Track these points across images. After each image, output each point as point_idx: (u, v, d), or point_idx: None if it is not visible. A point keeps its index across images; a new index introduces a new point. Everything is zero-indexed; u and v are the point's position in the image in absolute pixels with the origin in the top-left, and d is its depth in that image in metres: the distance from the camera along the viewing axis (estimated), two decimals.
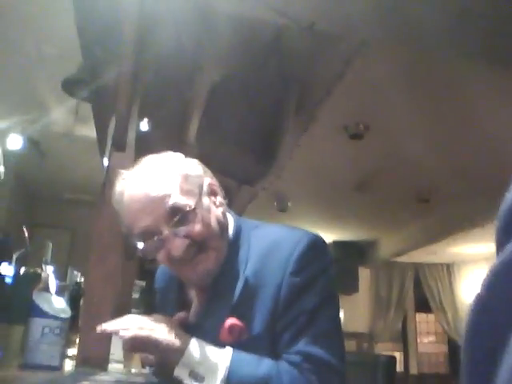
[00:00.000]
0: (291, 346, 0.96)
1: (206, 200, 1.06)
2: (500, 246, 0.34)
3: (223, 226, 1.09)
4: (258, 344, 0.98)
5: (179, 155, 1.12)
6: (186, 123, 2.85)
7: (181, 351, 0.95)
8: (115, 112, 1.99)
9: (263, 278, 1.01)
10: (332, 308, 1.02)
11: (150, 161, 1.08)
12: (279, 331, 0.97)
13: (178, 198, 1.00)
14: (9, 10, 2.94)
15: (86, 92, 2.57)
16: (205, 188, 1.07)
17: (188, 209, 1.00)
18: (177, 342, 0.96)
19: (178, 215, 0.99)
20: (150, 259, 1.06)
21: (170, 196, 1.00)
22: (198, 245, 1.02)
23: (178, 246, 1.00)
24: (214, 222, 1.05)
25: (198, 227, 1.01)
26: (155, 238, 1.00)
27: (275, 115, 2.96)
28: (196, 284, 1.11)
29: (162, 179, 1.02)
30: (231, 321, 0.99)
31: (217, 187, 1.12)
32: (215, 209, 1.08)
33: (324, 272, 1.02)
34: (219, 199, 1.11)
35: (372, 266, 8.78)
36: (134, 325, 0.97)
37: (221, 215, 1.09)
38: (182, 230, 1.00)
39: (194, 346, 0.96)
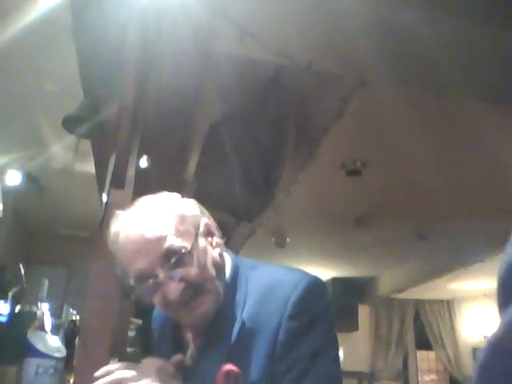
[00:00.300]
0: None
1: (202, 241, 1.04)
2: (503, 305, 0.34)
3: (220, 267, 1.07)
4: None
5: (176, 195, 1.11)
6: (185, 160, 2.88)
7: None
8: (115, 149, 2.00)
9: (260, 321, 0.99)
10: (331, 351, 0.99)
11: (145, 202, 1.07)
12: (277, 377, 0.95)
13: (173, 241, 0.98)
14: (10, 47, 2.99)
15: (86, 129, 2.59)
16: (201, 229, 1.05)
17: (184, 251, 0.98)
18: None
19: (174, 258, 0.97)
20: (145, 302, 1.04)
21: (165, 238, 0.98)
22: (195, 288, 1.00)
23: (174, 289, 0.98)
24: (210, 264, 1.03)
25: (194, 270, 0.99)
26: (150, 281, 0.98)
27: (274, 152, 2.99)
28: (192, 327, 1.09)
29: (157, 221, 1.00)
30: (227, 366, 0.96)
31: (213, 228, 1.10)
32: (212, 250, 1.06)
33: (322, 315, 0.99)
34: (216, 240, 1.09)
35: (372, 303, 8.69)
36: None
37: (217, 256, 1.07)
38: (178, 273, 0.98)
39: None
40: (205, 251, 1.04)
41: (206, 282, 1.01)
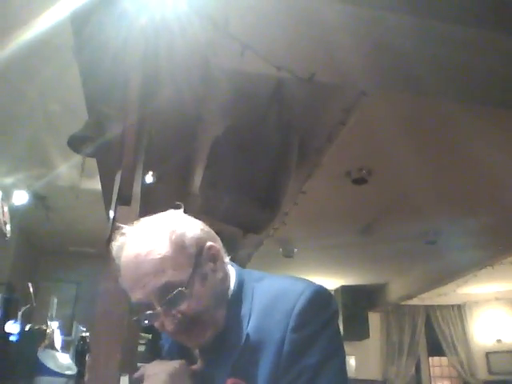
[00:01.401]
0: None
1: (202, 270, 1.02)
2: None
3: (221, 292, 1.06)
4: None
5: (180, 217, 1.08)
6: (190, 175, 2.89)
7: None
8: (120, 166, 2.02)
9: (265, 334, 0.98)
10: (337, 361, 0.97)
11: (147, 225, 1.05)
12: None
13: (170, 275, 0.97)
14: (13, 67, 3.03)
15: (92, 148, 2.61)
16: (204, 253, 1.04)
17: (180, 288, 0.97)
18: None
19: (171, 293, 0.96)
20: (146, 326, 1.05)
21: (163, 272, 0.97)
22: (191, 320, 0.99)
23: (171, 323, 0.98)
24: (208, 296, 1.02)
25: (191, 305, 0.98)
26: (148, 312, 0.99)
27: (279, 163, 3.00)
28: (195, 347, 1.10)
29: (156, 251, 0.98)
30: (233, 381, 0.96)
31: (217, 251, 1.07)
32: (212, 277, 1.04)
33: (327, 326, 0.98)
34: (219, 264, 1.07)
35: (382, 310, 8.64)
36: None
37: (218, 282, 1.05)
38: (174, 308, 0.98)
39: None
40: (203, 283, 1.02)
41: (202, 313, 1.00)
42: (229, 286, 1.09)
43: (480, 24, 2.61)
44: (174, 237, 1.01)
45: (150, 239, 1.01)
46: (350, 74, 2.57)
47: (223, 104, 2.71)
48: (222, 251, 1.10)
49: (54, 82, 3.18)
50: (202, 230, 1.08)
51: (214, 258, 1.07)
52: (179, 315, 0.98)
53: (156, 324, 1.02)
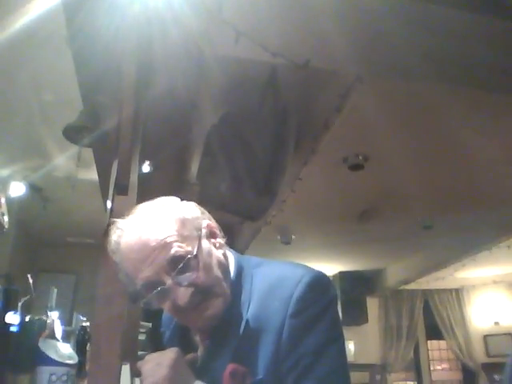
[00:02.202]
0: None
1: (206, 244, 1.04)
2: None
3: (225, 268, 1.07)
4: None
5: (174, 199, 1.10)
6: (187, 163, 2.88)
7: None
8: (117, 156, 2.01)
9: (264, 320, 0.99)
10: (336, 346, 0.98)
11: (145, 208, 1.06)
12: (283, 374, 0.95)
13: (178, 247, 0.98)
14: (8, 58, 3.01)
15: (87, 138, 2.60)
16: (204, 231, 1.05)
17: (190, 256, 0.98)
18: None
19: (180, 264, 0.97)
20: (153, 309, 1.04)
21: (170, 245, 0.98)
22: (203, 292, 1.00)
23: (183, 295, 0.98)
24: (216, 267, 1.03)
25: (200, 274, 0.99)
26: (158, 288, 0.98)
27: (275, 150, 3.00)
28: (201, 329, 1.09)
29: (159, 227, 0.99)
30: (233, 366, 0.97)
31: (216, 228, 1.10)
32: (216, 251, 1.06)
33: (326, 311, 0.99)
34: (219, 241, 1.09)
35: (380, 295, 8.69)
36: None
37: (222, 257, 1.07)
38: (186, 278, 0.98)
39: None
40: (210, 254, 1.03)
41: (213, 284, 1.01)
42: (229, 264, 1.09)
43: (472, 9, 2.60)
44: (175, 213, 1.03)
45: (152, 218, 1.02)
46: (345, 60, 2.56)
47: (219, 91, 2.70)
48: (220, 231, 1.11)
49: (48, 72, 3.16)
50: (198, 209, 1.10)
51: (215, 235, 1.09)
52: (190, 287, 0.99)
53: (165, 304, 1.01)
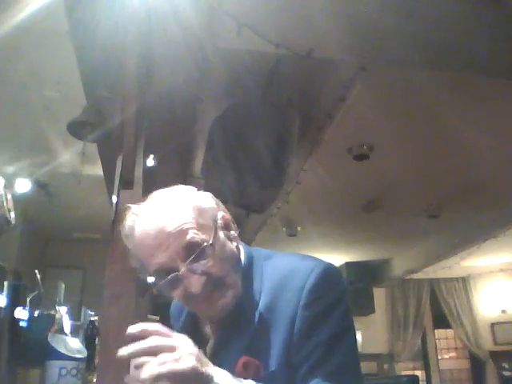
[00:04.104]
0: (308, 380, 0.93)
1: (221, 234, 1.03)
2: None
3: (238, 260, 1.07)
4: (274, 380, 0.95)
5: (191, 188, 1.09)
6: (192, 156, 2.88)
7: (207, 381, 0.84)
8: (122, 150, 2.02)
9: (277, 311, 0.99)
10: (348, 338, 0.98)
11: (161, 195, 1.05)
12: (296, 365, 0.95)
13: (194, 234, 0.97)
14: (12, 56, 3.01)
15: (92, 133, 2.60)
16: (219, 222, 1.05)
17: (205, 244, 0.97)
18: (204, 372, 0.84)
19: (196, 251, 0.96)
20: (164, 296, 1.04)
21: (186, 231, 0.97)
22: (216, 281, 0.99)
23: (196, 283, 0.97)
24: (229, 257, 1.03)
25: (215, 263, 0.98)
26: (171, 274, 0.97)
27: (280, 142, 2.99)
28: (212, 319, 1.09)
29: (176, 214, 0.98)
30: (245, 358, 0.97)
31: (230, 221, 1.09)
32: (230, 243, 1.06)
33: (338, 302, 0.99)
34: (233, 233, 1.09)
35: (387, 285, 8.69)
36: (154, 360, 0.82)
37: (235, 249, 1.07)
38: (200, 266, 0.97)
39: (219, 377, 0.86)
40: (224, 244, 1.03)
41: (226, 275, 1.01)
42: (241, 259, 1.09)
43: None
44: (192, 201, 1.02)
45: (169, 205, 1.01)
46: (348, 50, 2.55)
47: (222, 84, 2.69)
48: (233, 224, 1.11)
49: (51, 68, 3.16)
50: (214, 200, 1.09)
51: (229, 227, 1.09)
52: (204, 275, 0.98)
53: (177, 292, 1.00)
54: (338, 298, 1.00)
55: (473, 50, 2.70)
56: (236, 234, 1.10)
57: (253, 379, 0.93)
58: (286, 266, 1.05)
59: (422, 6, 2.57)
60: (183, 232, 0.97)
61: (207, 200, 1.07)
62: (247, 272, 1.07)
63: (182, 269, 0.97)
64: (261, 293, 1.03)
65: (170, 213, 0.99)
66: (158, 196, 1.05)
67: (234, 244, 1.08)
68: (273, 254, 1.11)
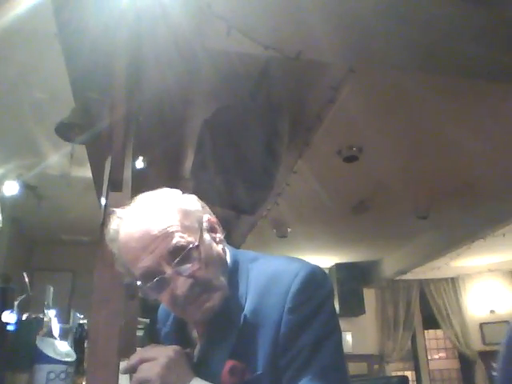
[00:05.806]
0: (294, 383, 0.92)
1: (206, 236, 1.03)
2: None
3: (224, 262, 1.06)
4: (261, 383, 0.95)
5: (176, 191, 1.09)
6: (181, 158, 2.87)
7: None
8: (110, 152, 2.00)
9: (262, 315, 0.98)
10: (333, 340, 0.98)
11: (146, 198, 1.05)
12: (282, 368, 0.94)
13: (180, 236, 0.97)
14: (0, 57, 2.99)
15: (80, 135, 2.59)
16: (204, 224, 1.05)
17: (191, 246, 0.97)
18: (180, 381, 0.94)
19: (181, 254, 0.96)
20: (151, 300, 1.03)
21: (172, 234, 0.96)
22: (202, 284, 0.99)
23: (182, 285, 0.97)
24: (216, 260, 1.03)
25: (201, 266, 0.98)
26: (157, 278, 0.97)
27: (269, 143, 2.99)
28: (198, 323, 1.08)
29: (161, 216, 0.98)
30: (232, 363, 0.97)
31: (215, 223, 1.09)
32: (215, 245, 1.06)
33: (323, 305, 0.99)
34: (219, 236, 1.09)
35: (377, 286, 8.73)
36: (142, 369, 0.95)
37: (221, 252, 1.07)
38: (186, 268, 0.97)
39: None
40: (210, 247, 1.03)
41: (212, 277, 1.01)
42: (227, 262, 1.09)
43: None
44: (177, 204, 1.02)
45: (154, 208, 1.01)
46: (337, 52, 2.55)
47: (211, 86, 2.69)
48: (219, 227, 1.11)
49: (39, 69, 3.13)
50: (199, 202, 1.09)
51: (215, 229, 1.09)
52: (190, 278, 0.98)
53: (163, 295, 1.00)
54: (322, 301, 1.00)
55: (461, 52, 2.72)
56: (222, 237, 1.10)
57: (239, 383, 0.93)
58: (272, 269, 1.04)
59: (411, 8, 2.58)
60: (168, 235, 0.96)
61: (192, 202, 1.07)
62: (233, 275, 1.06)
63: (168, 271, 0.96)
64: (246, 296, 1.03)
65: (154, 216, 0.99)
66: (143, 199, 1.05)
67: (220, 246, 1.07)
68: (259, 257, 1.11)
